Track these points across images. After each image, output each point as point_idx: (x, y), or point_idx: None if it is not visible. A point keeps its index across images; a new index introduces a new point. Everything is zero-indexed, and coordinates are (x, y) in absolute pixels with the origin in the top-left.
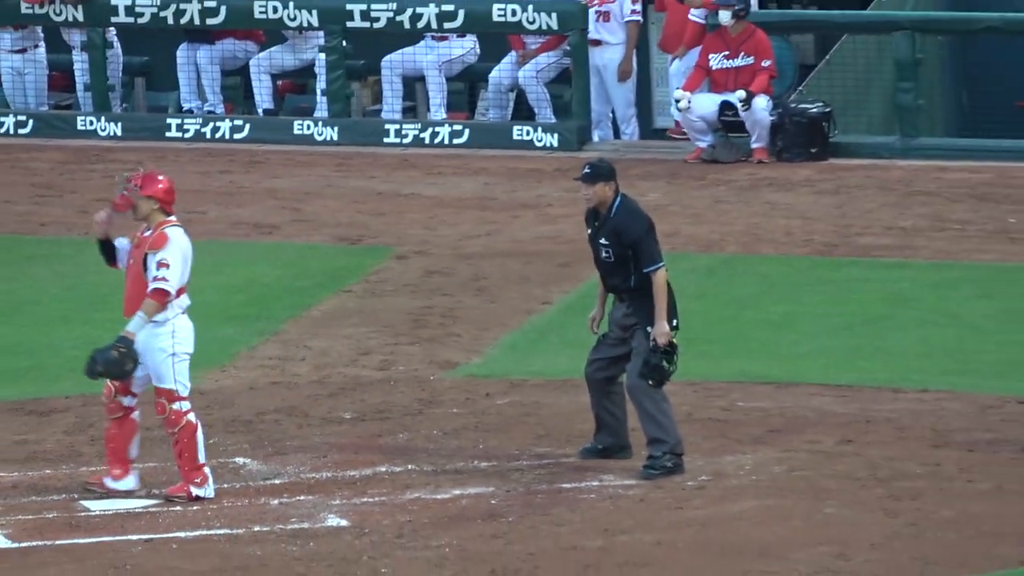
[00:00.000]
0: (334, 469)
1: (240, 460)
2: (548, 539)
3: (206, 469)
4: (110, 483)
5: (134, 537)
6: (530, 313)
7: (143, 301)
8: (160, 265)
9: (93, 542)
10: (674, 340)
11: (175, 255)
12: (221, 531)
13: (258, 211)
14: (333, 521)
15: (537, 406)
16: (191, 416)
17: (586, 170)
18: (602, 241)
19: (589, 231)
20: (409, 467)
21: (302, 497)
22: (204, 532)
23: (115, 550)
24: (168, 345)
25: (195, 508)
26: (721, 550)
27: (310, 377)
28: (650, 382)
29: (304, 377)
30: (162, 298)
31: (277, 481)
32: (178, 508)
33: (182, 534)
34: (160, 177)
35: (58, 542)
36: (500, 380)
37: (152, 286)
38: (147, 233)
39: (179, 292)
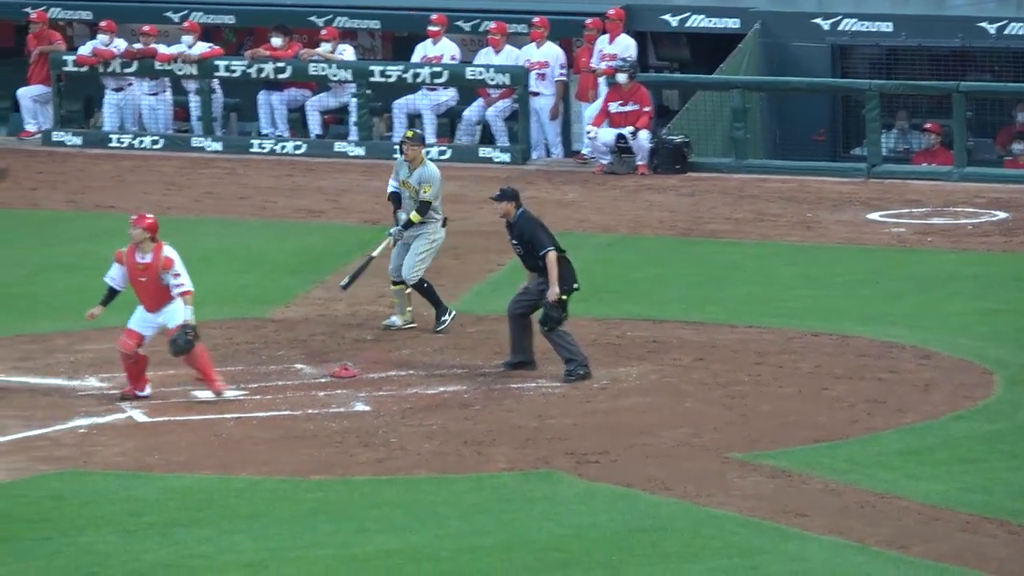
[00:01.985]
0: (362, 372)
1: (298, 365)
2: (502, 421)
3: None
4: (140, 393)
5: (228, 416)
6: (490, 271)
7: (182, 299)
8: (176, 276)
9: (200, 419)
10: (563, 298)
11: (180, 266)
12: (285, 412)
13: (311, 202)
14: (360, 407)
15: (494, 332)
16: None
17: (496, 193)
18: (513, 241)
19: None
20: (410, 372)
21: (339, 391)
22: (274, 413)
23: (215, 424)
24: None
25: (269, 397)
26: (616, 429)
27: (345, 312)
28: (546, 327)
29: (341, 312)
30: (191, 295)
31: (323, 380)
32: (257, 396)
33: (260, 414)
34: (148, 215)
35: (176, 418)
36: (470, 315)
37: (180, 291)
38: (146, 258)
39: None
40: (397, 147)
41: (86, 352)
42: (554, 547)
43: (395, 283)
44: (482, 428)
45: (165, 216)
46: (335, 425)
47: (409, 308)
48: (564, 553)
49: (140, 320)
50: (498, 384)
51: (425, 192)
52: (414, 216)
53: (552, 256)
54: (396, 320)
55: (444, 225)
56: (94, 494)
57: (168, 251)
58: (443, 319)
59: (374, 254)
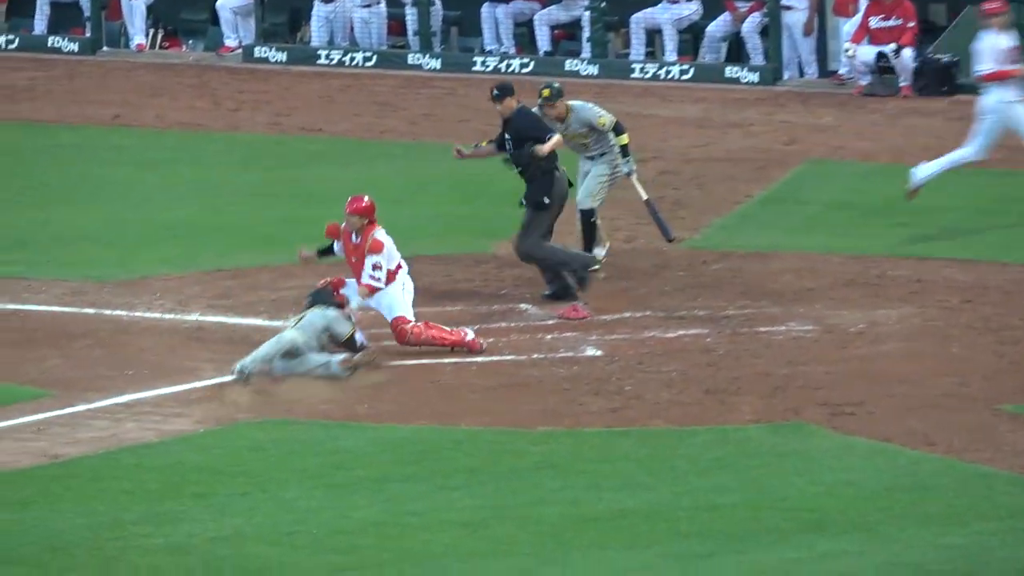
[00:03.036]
0: (593, 314)
1: (524, 306)
2: (748, 367)
3: (460, 330)
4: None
5: (445, 361)
6: (736, 203)
7: (361, 288)
8: (375, 267)
9: (414, 364)
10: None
11: (387, 256)
12: (508, 357)
13: None
14: (591, 351)
15: (740, 271)
16: (415, 326)
17: (495, 92)
18: (507, 136)
19: (501, 129)
20: (647, 313)
21: (568, 334)
22: (497, 358)
23: (430, 371)
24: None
25: (490, 340)
26: (874, 378)
27: (578, 248)
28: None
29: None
30: (372, 291)
31: (551, 322)
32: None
33: (481, 359)
34: (364, 198)
35: (389, 364)
36: (714, 251)
37: (366, 282)
38: (357, 239)
39: (396, 269)
40: (538, 107)
41: (290, 290)
42: (805, 507)
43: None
44: (726, 375)
45: (378, 140)
46: (563, 371)
47: (604, 236)
48: (815, 513)
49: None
50: (744, 328)
51: (602, 124)
52: (623, 139)
53: (558, 137)
54: (599, 251)
55: (626, 156)
56: (298, 445)
57: (380, 235)
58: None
59: (646, 197)
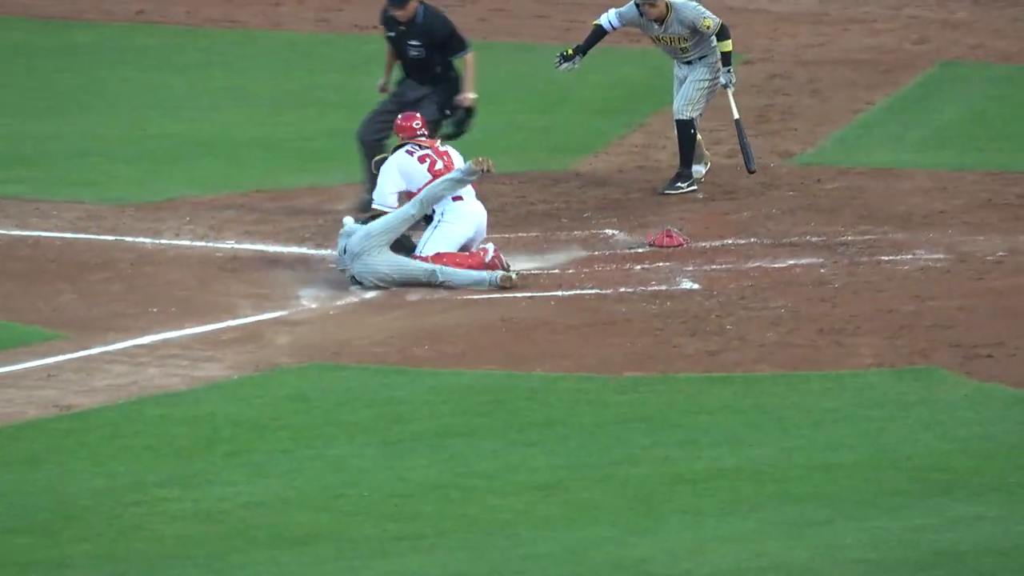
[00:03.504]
0: (689, 240)
1: (609, 231)
2: (868, 303)
3: (478, 251)
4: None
5: (518, 295)
6: (856, 112)
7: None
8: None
9: (483, 298)
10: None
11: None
12: (592, 291)
13: None
14: (686, 284)
15: (861, 191)
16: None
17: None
18: (412, 44)
19: (393, 35)
20: (751, 240)
21: (660, 264)
22: (578, 291)
23: (501, 306)
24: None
25: (571, 271)
26: (1015, 314)
27: (669, 162)
28: (457, 133)
29: (664, 162)
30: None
31: (640, 250)
32: (556, 271)
33: (559, 292)
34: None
35: (454, 298)
36: (830, 167)
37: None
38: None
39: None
40: (635, 6)
41: (340, 214)
42: (934, 466)
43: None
44: (842, 312)
45: None
46: (655, 307)
47: (707, 153)
48: (947, 473)
49: None
50: (864, 257)
51: (707, 27)
52: (727, 45)
53: (472, 56)
54: (699, 168)
55: (727, 65)
56: (346, 395)
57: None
58: (679, 185)
59: (737, 116)
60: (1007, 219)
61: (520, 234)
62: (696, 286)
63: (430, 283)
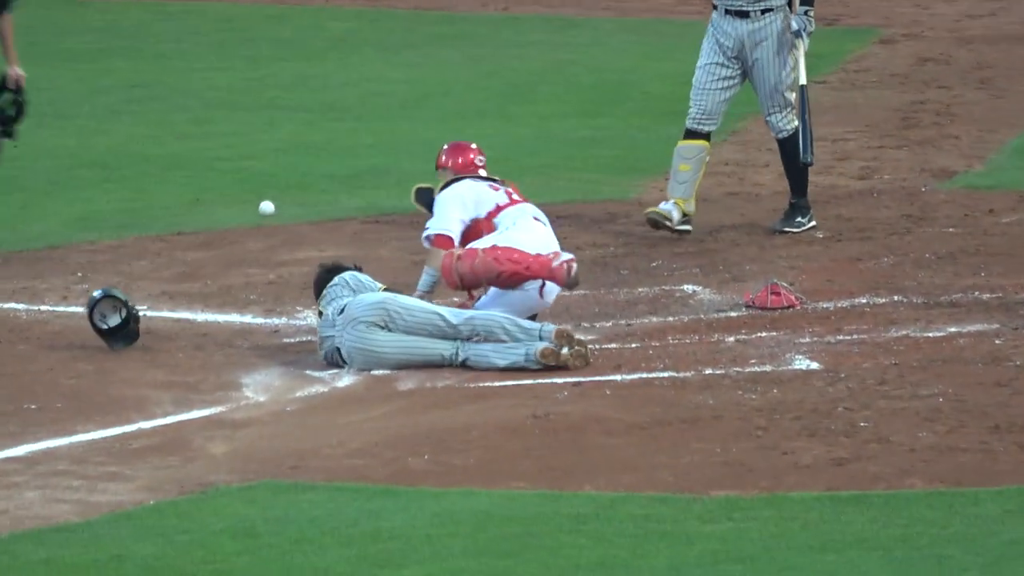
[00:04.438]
0: (804, 300)
1: (689, 288)
2: None
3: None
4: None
5: (558, 380)
6: None
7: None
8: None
9: (506, 386)
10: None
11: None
12: (664, 375)
13: None
14: (801, 363)
15: None
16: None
17: None
18: None
19: None
20: (895, 298)
21: (763, 334)
22: (643, 375)
23: (535, 394)
24: None
25: (634, 346)
26: None
27: (775, 187)
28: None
29: (767, 187)
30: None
31: (734, 314)
32: (613, 345)
33: (617, 377)
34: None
35: (467, 385)
36: (1008, 193)
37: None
38: None
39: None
40: None
41: (297, 265)
42: None
43: (691, 135)
44: None
45: (443, 12)
46: (755, 397)
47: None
48: None
49: None
50: None
51: None
52: None
53: (8, 19)
54: (671, 209)
55: (807, 3)
56: (311, 527)
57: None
58: (799, 220)
59: (804, 81)
60: None
61: (562, 293)
62: (815, 366)
63: (449, 364)
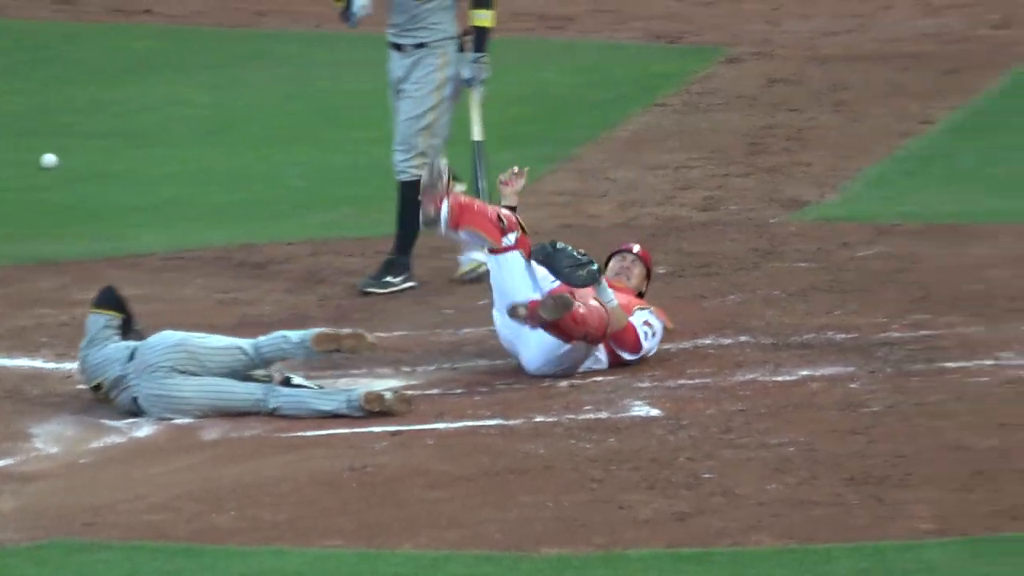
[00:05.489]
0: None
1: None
2: (925, 437)
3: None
4: None
5: (375, 428)
6: (905, 135)
7: None
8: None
9: (319, 435)
10: None
11: None
12: (492, 421)
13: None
14: (640, 410)
15: (912, 260)
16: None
17: None
18: None
19: None
20: (741, 339)
21: (600, 379)
22: (469, 423)
23: (350, 445)
24: None
25: (459, 391)
26: None
27: (613, 219)
28: None
29: (605, 219)
30: None
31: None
32: (434, 391)
33: (440, 425)
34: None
35: (274, 435)
36: (863, 224)
37: None
38: None
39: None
40: None
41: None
42: None
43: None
44: (884, 451)
45: (250, 29)
46: (590, 447)
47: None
48: None
49: None
50: (917, 363)
51: None
52: (484, 17)
53: None
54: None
55: (480, 51)
56: None
57: None
58: (388, 280)
59: (478, 137)
60: None
61: (379, 333)
62: (655, 412)
63: (258, 411)
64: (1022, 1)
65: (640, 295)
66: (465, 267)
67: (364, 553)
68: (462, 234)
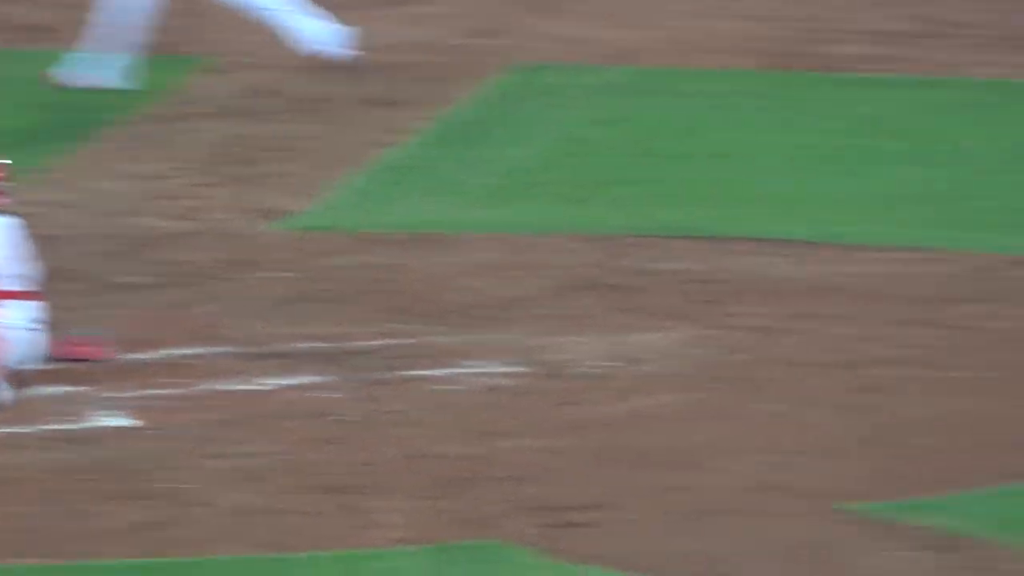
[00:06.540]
0: (117, 350)
1: None
2: (396, 444)
3: None
4: None
5: None
6: (387, 145)
7: None
8: None
9: None
10: None
11: None
12: None
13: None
14: (111, 420)
15: (390, 269)
16: None
17: None
18: None
19: None
20: (217, 349)
21: (68, 388)
22: None
23: None
24: None
25: None
26: (624, 459)
27: (85, 229)
28: None
29: (75, 228)
30: None
31: (32, 367)
32: None
33: None
34: None
35: None
36: (340, 234)
37: None
38: None
39: None
40: None
41: None
42: None
43: None
44: (356, 460)
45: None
46: (59, 457)
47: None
48: None
49: None
50: (392, 371)
51: None
52: None
53: None
54: None
55: None
56: None
57: None
58: None
59: None
60: (616, 308)
61: None
62: (128, 422)
63: None
64: (500, 12)
65: None
66: None
67: None
68: None
